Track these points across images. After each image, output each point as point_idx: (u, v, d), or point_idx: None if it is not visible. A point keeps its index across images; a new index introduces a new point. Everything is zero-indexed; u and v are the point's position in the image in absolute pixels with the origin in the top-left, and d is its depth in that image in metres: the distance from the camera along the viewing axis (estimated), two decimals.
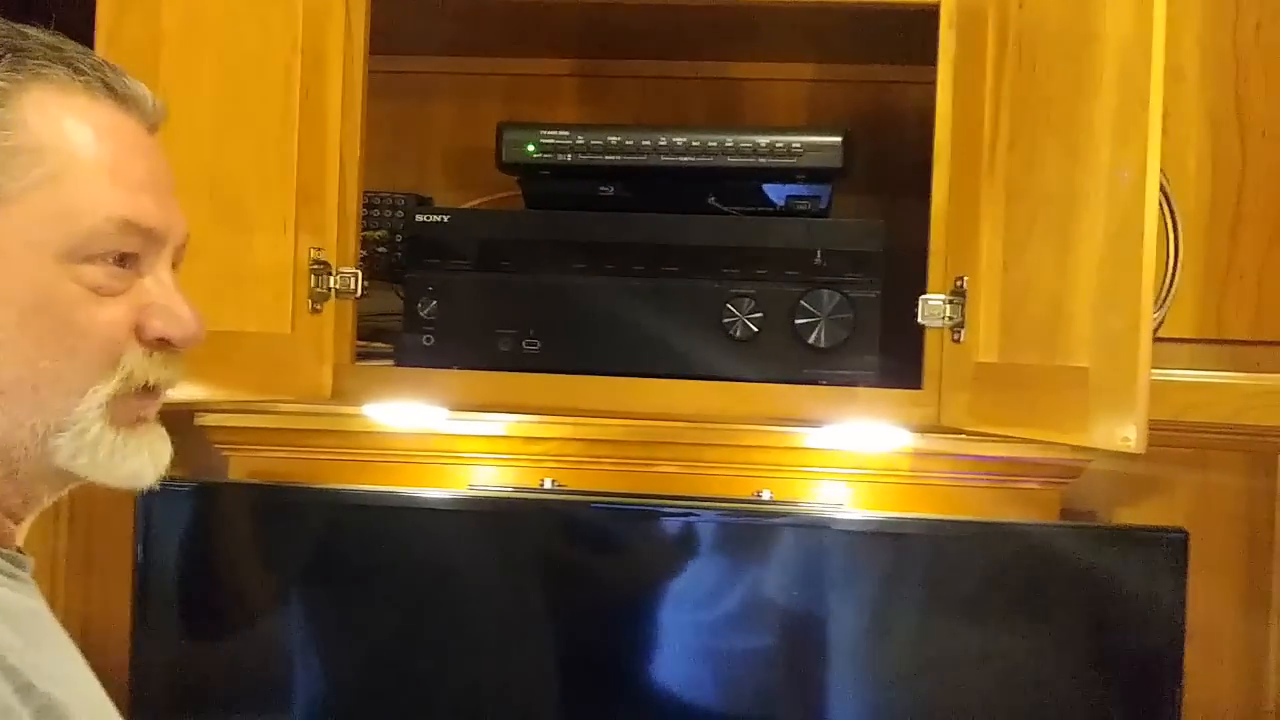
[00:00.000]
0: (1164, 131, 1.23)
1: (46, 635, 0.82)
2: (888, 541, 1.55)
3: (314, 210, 1.31)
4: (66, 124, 0.80)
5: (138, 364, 0.82)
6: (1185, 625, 1.47)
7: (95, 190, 0.80)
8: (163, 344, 0.84)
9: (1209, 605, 1.59)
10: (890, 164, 1.55)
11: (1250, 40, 1.31)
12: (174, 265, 0.88)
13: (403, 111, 1.66)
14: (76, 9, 1.08)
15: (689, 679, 1.58)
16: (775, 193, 1.42)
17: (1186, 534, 1.47)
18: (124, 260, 0.82)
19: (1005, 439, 1.49)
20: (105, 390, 0.81)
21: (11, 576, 0.82)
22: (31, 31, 0.82)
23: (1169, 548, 1.47)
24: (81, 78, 0.82)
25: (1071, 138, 1.10)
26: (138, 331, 0.82)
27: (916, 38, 1.33)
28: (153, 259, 0.84)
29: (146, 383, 0.83)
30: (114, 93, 0.83)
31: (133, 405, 0.83)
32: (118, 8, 1.12)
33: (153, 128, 0.87)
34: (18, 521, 0.84)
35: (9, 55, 0.79)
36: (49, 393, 0.79)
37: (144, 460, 0.84)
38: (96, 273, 0.80)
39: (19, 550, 0.85)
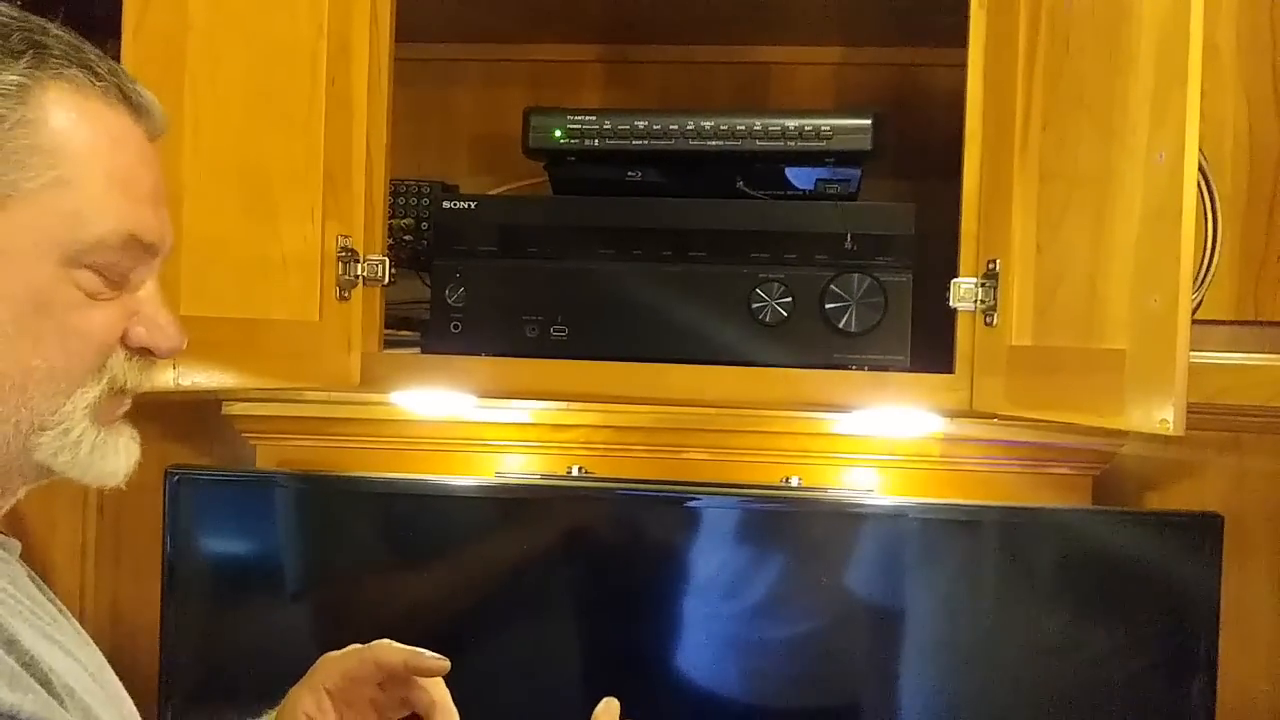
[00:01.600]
0: (1200, 111, 1.22)
1: (30, 611, 0.83)
2: (917, 526, 1.54)
3: (341, 198, 1.30)
4: (82, 128, 0.81)
5: (119, 368, 0.84)
6: (1220, 610, 1.46)
7: (105, 200, 0.81)
8: (144, 352, 0.86)
9: (1241, 590, 1.58)
10: (919, 147, 1.53)
11: None
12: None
13: (427, 98, 1.66)
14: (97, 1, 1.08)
15: (717, 666, 1.57)
16: (804, 176, 1.40)
17: (1222, 518, 1.46)
18: (120, 269, 0.83)
19: (1035, 424, 1.49)
20: (92, 393, 0.83)
21: None
22: (53, 29, 0.82)
23: (1204, 532, 1.46)
24: (99, 82, 0.82)
25: (1106, 118, 1.09)
26: (123, 337, 0.84)
27: (944, 19, 1.31)
28: (145, 269, 0.86)
29: (123, 386, 0.85)
30: (128, 100, 0.84)
31: (110, 406, 0.85)
32: None
33: (155, 137, 0.87)
34: None
35: (30, 51, 0.79)
36: (36, 391, 0.80)
37: (120, 460, 0.86)
38: (94, 279, 0.82)
39: (3, 533, 0.87)
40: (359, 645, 1.09)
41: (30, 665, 0.75)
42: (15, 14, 0.81)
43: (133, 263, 0.84)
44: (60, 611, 0.90)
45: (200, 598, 1.63)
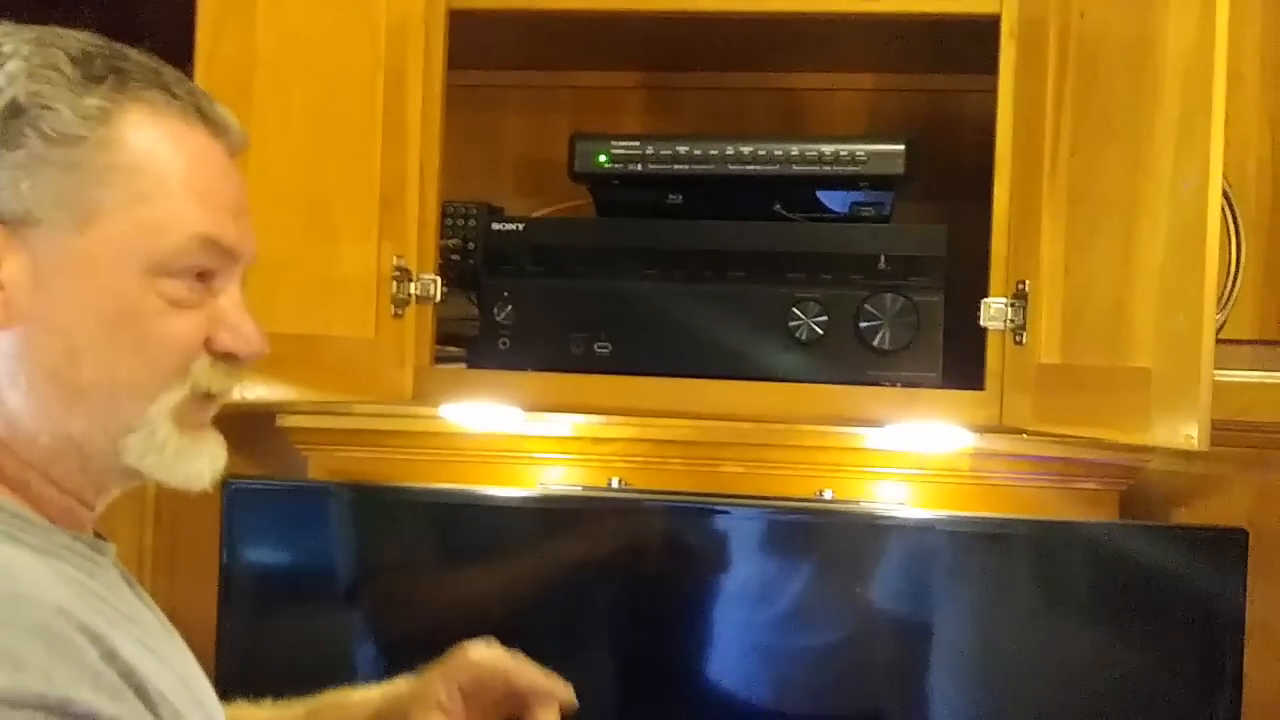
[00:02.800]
0: (1225, 137, 1.27)
1: (125, 617, 0.86)
2: (947, 539, 1.58)
3: (395, 219, 1.36)
4: (161, 145, 0.84)
5: (204, 373, 0.87)
6: (1245, 625, 1.49)
7: (183, 209, 0.85)
8: (228, 357, 0.89)
9: (1267, 605, 1.60)
10: (951, 170, 1.57)
11: None
12: (241, 284, 0.92)
13: (476, 123, 1.71)
14: (176, 32, 1.14)
15: (755, 677, 1.61)
16: (839, 199, 1.45)
17: (1246, 533, 1.49)
18: (201, 275, 0.87)
19: (1063, 439, 1.53)
20: (175, 397, 0.86)
21: (90, 560, 0.87)
22: (132, 54, 0.87)
23: (1229, 547, 1.49)
24: (177, 101, 0.86)
25: (1133, 145, 1.14)
26: (207, 343, 0.87)
27: (975, 48, 1.36)
28: (226, 276, 0.89)
29: (209, 390, 0.88)
30: (205, 118, 0.88)
31: (195, 411, 0.88)
32: (215, 31, 1.18)
33: (235, 153, 0.91)
34: (91, 508, 0.89)
35: (111, 76, 0.84)
36: (124, 396, 0.84)
37: (204, 463, 0.89)
38: (177, 286, 0.85)
39: (98, 536, 0.91)
40: (497, 648, 1.12)
41: (127, 675, 0.78)
42: (99, 42, 0.86)
43: (214, 266, 0.87)
44: (150, 610, 0.94)
45: (255, 604, 1.68)
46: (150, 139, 0.84)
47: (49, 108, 0.81)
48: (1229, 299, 1.25)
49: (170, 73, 0.88)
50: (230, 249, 0.88)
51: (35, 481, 0.85)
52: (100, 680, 0.75)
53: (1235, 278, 1.25)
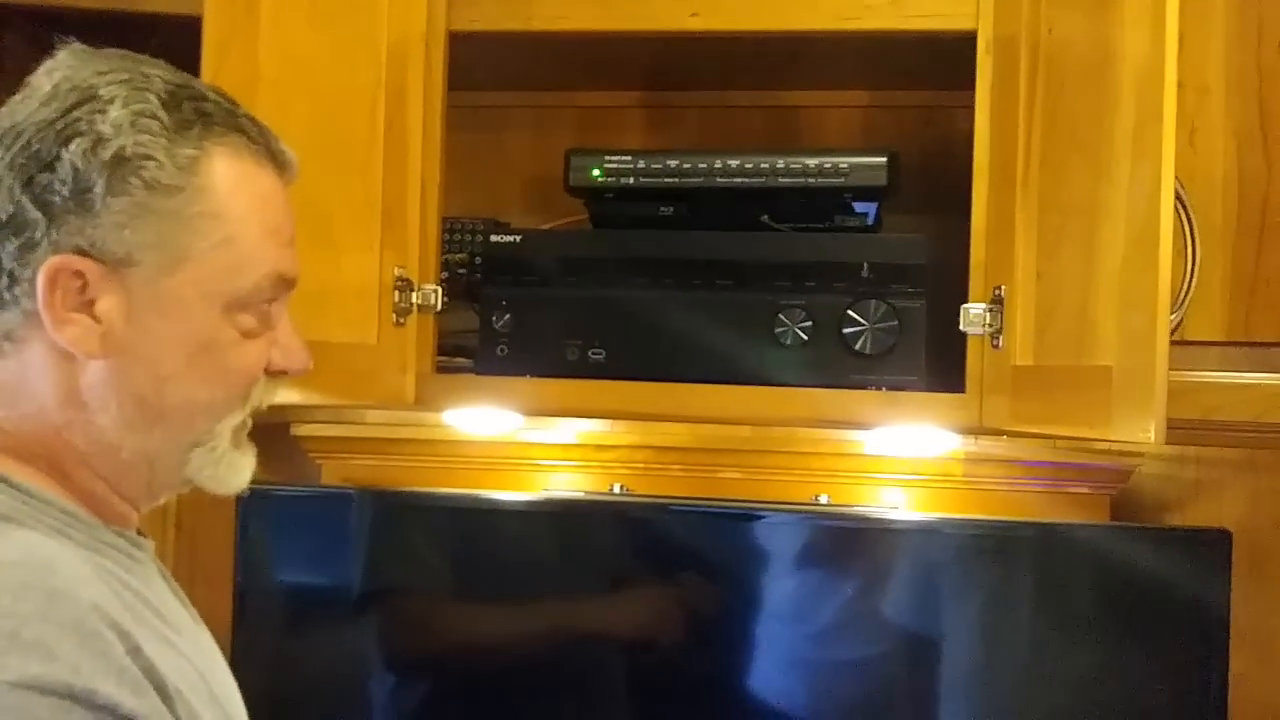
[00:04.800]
0: (1191, 145, 1.31)
1: (155, 612, 0.91)
2: (940, 542, 1.62)
3: (397, 232, 1.43)
4: (241, 190, 0.91)
5: (259, 393, 0.96)
6: (1230, 626, 1.51)
7: (260, 250, 0.92)
8: (279, 374, 0.97)
9: (1260, 608, 1.62)
10: (941, 182, 1.62)
11: (1273, 59, 1.37)
12: None
13: (481, 142, 1.77)
14: (182, 52, 1.21)
15: (758, 680, 1.65)
16: (824, 210, 1.50)
17: (1230, 534, 1.51)
18: (268, 306, 0.94)
19: (1053, 443, 1.57)
20: (238, 417, 0.95)
21: (130, 556, 0.93)
22: (209, 93, 0.93)
23: (1213, 548, 1.51)
24: (254, 145, 0.93)
25: (1095, 153, 1.18)
26: (266, 365, 0.95)
27: (960, 64, 1.41)
28: (284, 301, 0.97)
29: (258, 407, 0.97)
30: (274, 157, 0.95)
31: (245, 425, 0.96)
32: (220, 51, 1.26)
33: (290, 184, 0.98)
34: (138, 510, 0.96)
35: (199, 121, 0.90)
36: (201, 418, 0.93)
37: (245, 474, 0.97)
38: (249, 319, 0.93)
39: (140, 533, 0.97)
40: None
41: (149, 671, 0.83)
42: (177, 79, 0.91)
43: (278, 298, 0.95)
44: (183, 605, 1.00)
45: (270, 612, 1.74)
46: (233, 185, 0.91)
47: (153, 158, 0.87)
48: (1184, 299, 1.29)
49: (243, 112, 0.94)
50: (291, 280, 0.96)
51: (101, 491, 0.92)
52: (124, 675, 0.80)
53: (1191, 279, 1.29)
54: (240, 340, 0.92)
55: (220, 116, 0.91)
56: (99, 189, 0.86)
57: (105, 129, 0.86)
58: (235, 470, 0.96)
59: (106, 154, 0.86)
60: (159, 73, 0.91)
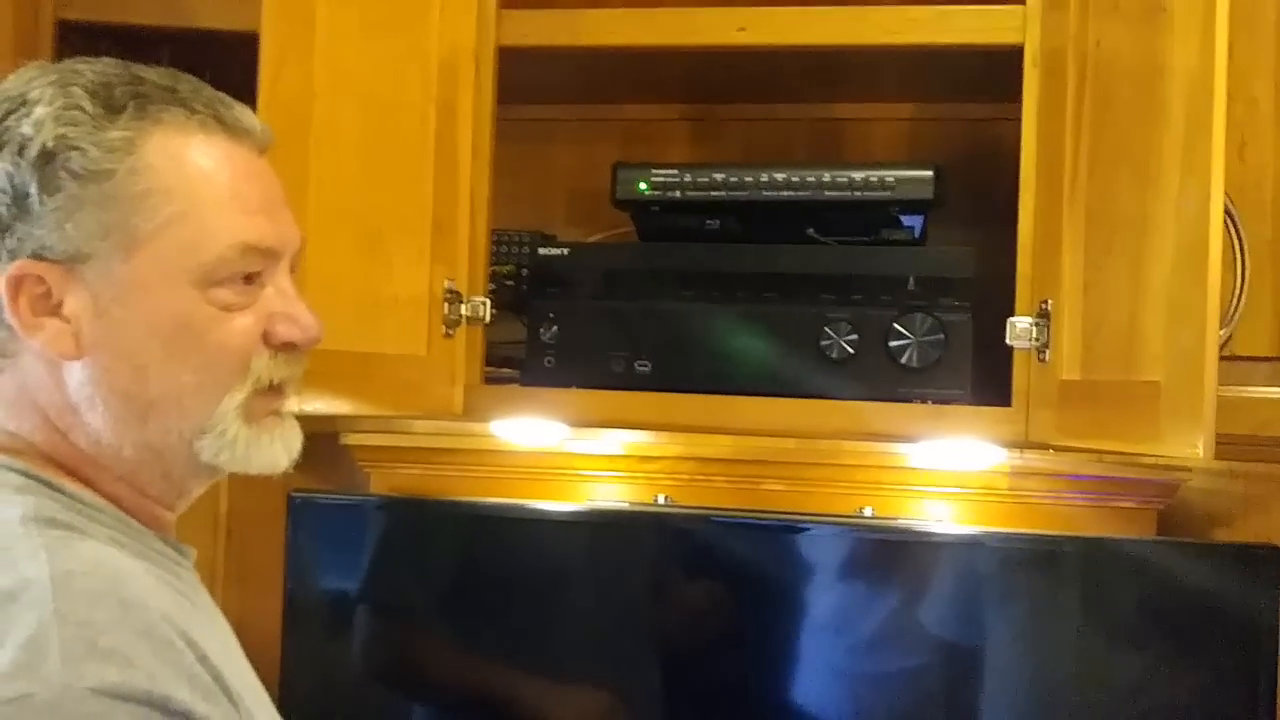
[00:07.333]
0: (1241, 158, 1.30)
1: (206, 618, 0.94)
2: (985, 555, 1.62)
3: (447, 244, 1.44)
4: (187, 162, 0.89)
5: (265, 367, 0.92)
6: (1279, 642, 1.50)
7: (219, 220, 0.89)
8: (287, 347, 0.93)
9: None
10: (987, 195, 1.62)
11: None
12: (291, 270, 0.96)
13: (528, 156, 1.79)
14: (241, 69, 1.24)
15: (800, 692, 1.65)
16: (871, 223, 1.50)
17: (1279, 549, 1.50)
18: (248, 278, 0.91)
19: (1101, 457, 1.56)
20: (240, 395, 0.91)
21: (176, 564, 0.95)
22: (148, 75, 0.90)
23: (1263, 564, 1.50)
24: (196, 115, 0.90)
25: (1143, 165, 1.18)
26: (265, 338, 0.92)
27: (1006, 76, 1.41)
28: (272, 271, 0.93)
29: (273, 381, 0.93)
30: (225, 125, 0.91)
31: (263, 402, 0.93)
32: (276, 68, 1.28)
33: (262, 151, 0.94)
34: (173, 510, 0.96)
35: (131, 103, 0.88)
36: (192, 402, 0.90)
37: (277, 450, 0.94)
38: (226, 293, 0.90)
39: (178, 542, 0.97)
40: None
41: (217, 678, 0.83)
42: (115, 67, 0.90)
43: (257, 268, 0.91)
44: (220, 615, 1.00)
45: (319, 616, 1.76)
46: (176, 159, 0.88)
47: (76, 148, 0.86)
48: (1234, 314, 1.28)
49: (185, 85, 0.91)
50: (270, 249, 0.92)
51: (126, 492, 0.92)
52: (196, 681, 0.81)
53: (1240, 294, 1.28)
54: (220, 316, 0.90)
55: (159, 95, 0.89)
56: (34, 190, 0.85)
57: (28, 130, 0.86)
58: (260, 448, 0.93)
59: (32, 153, 0.85)
60: (95, 67, 0.89)
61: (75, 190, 0.86)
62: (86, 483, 0.90)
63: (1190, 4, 1.10)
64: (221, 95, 0.94)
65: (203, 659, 0.83)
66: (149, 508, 0.94)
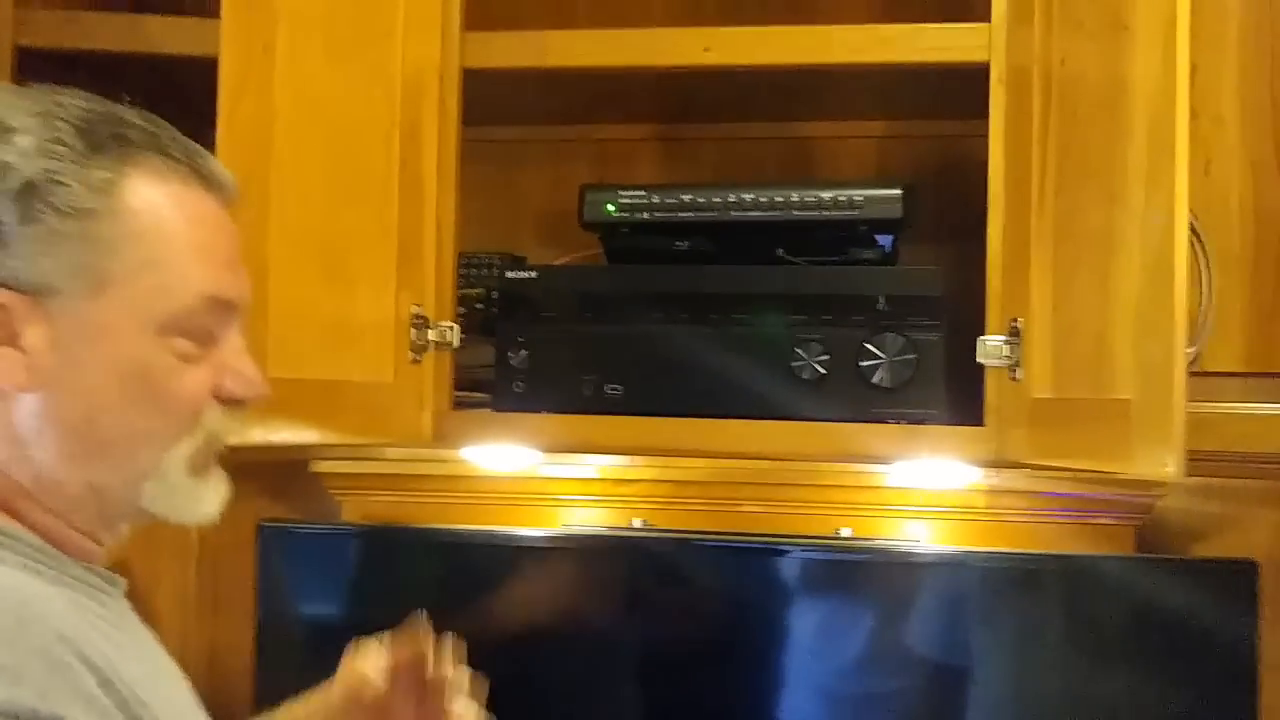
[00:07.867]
0: (1207, 175, 1.30)
1: (132, 646, 0.92)
2: (964, 574, 1.61)
3: (413, 269, 1.43)
4: (164, 210, 0.89)
5: (215, 420, 0.93)
6: (1258, 657, 1.49)
7: (189, 270, 0.90)
8: (235, 402, 0.94)
9: None
10: (958, 213, 1.61)
11: None
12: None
13: (498, 178, 1.78)
14: (198, 94, 1.22)
15: (782, 715, 1.63)
16: (840, 243, 1.49)
17: (1255, 565, 1.50)
18: (207, 331, 0.92)
19: (1077, 476, 1.55)
20: (190, 445, 0.92)
21: (103, 591, 0.93)
22: (130, 116, 0.91)
23: (1239, 579, 1.50)
24: (174, 164, 0.91)
25: (1109, 183, 1.17)
26: (214, 391, 0.93)
27: (974, 95, 1.41)
28: (227, 325, 0.94)
29: (219, 436, 0.94)
30: (201, 176, 0.92)
31: (205, 455, 0.93)
32: (236, 91, 1.26)
33: (229, 204, 0.96)
34: (100, 545, 0.95)
35: (114, 144, 0.88)
36: (142, 447, 0.90)
37: (212, 501, 0.95)
38: (185, 343, 0.90)
39: (112, 570, 0.96)
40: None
41: (124, 704, 0.82)
42: (97, 106, 0.90)
43: (217, 321, 0.92)
44: (157, 645, 0.98)
45: (291, 645, 1.74)
46: (154, 206, 0.89)
47: (61, 183, 0.86)
48: (1202, 330, 1.27)
49: (166, 133, 0.92)
50: (230, 302, 0.93)
51: (53, 524, 0.90)
52: (93, 704, 0.80)
53: (1207, 310, 1.28)
54: (178, 366, 0.90)
55: (141, 139, 0.90)
56: (10, 219, 0.85)
57: (11, 158, 0.85)
58: (196, 500, 0.93)
59: (14, 183, 0.85)
60: (77, 102, 0.89)
61: (55, 224, 0.86)
62: (13, 514, 0.89)
63: (1152, 22, 1.10)
64: (198, 146, 0.95)
65: (107, 683, 0.82)
66: (75, 540, 0.92)
